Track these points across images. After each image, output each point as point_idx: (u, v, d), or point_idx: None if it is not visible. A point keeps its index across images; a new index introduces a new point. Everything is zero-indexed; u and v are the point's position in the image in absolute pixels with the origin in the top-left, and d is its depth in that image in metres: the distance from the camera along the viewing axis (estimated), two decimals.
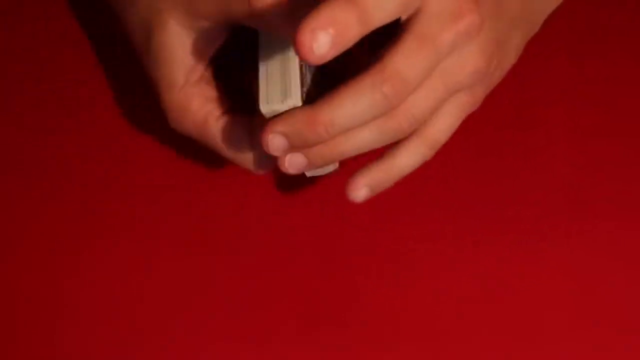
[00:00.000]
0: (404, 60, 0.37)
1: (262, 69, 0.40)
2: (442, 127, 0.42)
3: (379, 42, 0.44)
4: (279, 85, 0.39)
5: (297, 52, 0.34)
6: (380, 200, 0.50)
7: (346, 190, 0.42)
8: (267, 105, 0.39)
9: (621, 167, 0.51)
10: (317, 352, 0.47)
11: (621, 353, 0.47)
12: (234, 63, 0.52)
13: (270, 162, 0.45)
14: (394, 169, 0.42)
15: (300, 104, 0.39)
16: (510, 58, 0.44)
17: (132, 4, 0.45)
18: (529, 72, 0.53)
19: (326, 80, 0.44)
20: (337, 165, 0.45)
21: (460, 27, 0.38)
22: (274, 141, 0.38)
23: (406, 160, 0.42)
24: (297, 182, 0.50)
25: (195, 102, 0.44)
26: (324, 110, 0.37)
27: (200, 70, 0.44)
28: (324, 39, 0.33)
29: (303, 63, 0.41)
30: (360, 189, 0.42)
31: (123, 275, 0.49)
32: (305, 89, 0.40)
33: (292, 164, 0.40)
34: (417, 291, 0.48)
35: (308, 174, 0.44)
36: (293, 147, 0.39)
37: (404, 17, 0.38)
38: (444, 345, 0.47)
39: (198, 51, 0.43)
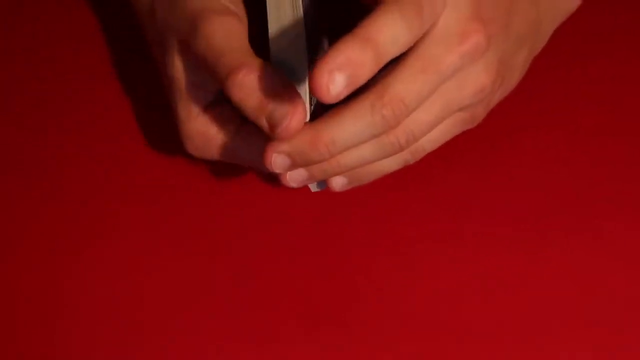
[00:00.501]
0: (405, 84, 0.37)
1: None
2: (432, 137, 0.42)
3: None
4: None
5: (313, 92, 0.34)
6: (380, 200, 0.50)
7: (328, 183, 0.43)
8: None
9: (622, 167, 0.51)
10: (317, 352, 0.47)
11: (621, 353, 0.47)
12: None
13: None
14: (374, 167, 0.42)
15: (307, 119, 0.40)
16: (515, 76, 0.44)
17: (151, 14, 0.45)
18: (529, 72, 0.53)
19: None
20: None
21: (465, 48, 0.38)
22: (277, 160, 0.39)
23: (388, 161, 0.42)
24: None
25: (214, 127, 0.44)
26: (326, 130, 0.38)
27: (213, 90, 0.44)
28: (340, 79, 0.34)
29: None
30: (338, 179, 0.42)
31: (123, 275, 0.49)
32: (312, 107, 0.40)
33: (294, 178, 0.41)
34: (417, 291, 0.48)
35: (312, 188, 0.44)
36: (295, 165, 0.39)
37: None
38: (444, 345, 0.47)
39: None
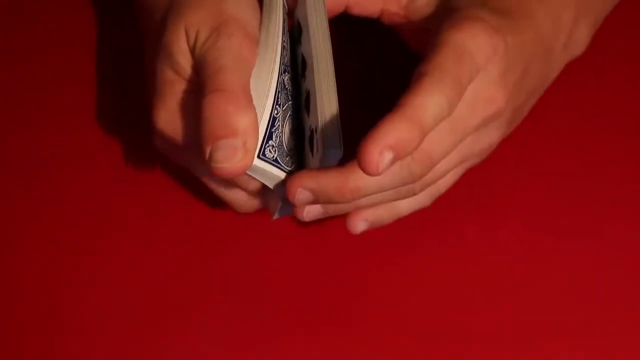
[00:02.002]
0: (434, 144, 0.40)
1: None
2: (446, 182, 0.45)
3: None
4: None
5: (362, 167, 0.37)
6: None
7: (346, 221, 0.44)
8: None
9: (623, 168, 0.51)
10: (317, 353, 0.47)
11: (621, 353, 0.47)
12: None
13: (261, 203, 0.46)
14: (394, 210, 0.44)
15: (283, 176, 0.41)
16: (520, 120, 0.46)
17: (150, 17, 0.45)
18: None
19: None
20: None
21: (489, 114, 0.41)
22: (301, 196, 0.40)
23: (406, 205, 0.44)
24: None
25: (184, 121, 0.42)
26: (353, 178, 0.39)
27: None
28: (389, 157, 0.37)
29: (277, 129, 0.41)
30: (359, 222, 0.44)
31: (123, 275, 0.48)
32: (264, 145, 0.41)
33: (310, 213, 0.42)
34: (417, 292, 0.48)
35: (274, 216, 0.45)
36: (316, 202, 0.41)
37: None
38: (445, 345, 0.47)
39: None
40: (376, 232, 0.49)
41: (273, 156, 0.41)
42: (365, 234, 0.47)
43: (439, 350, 0.47)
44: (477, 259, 0.49)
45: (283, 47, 0.42)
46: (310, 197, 0.40)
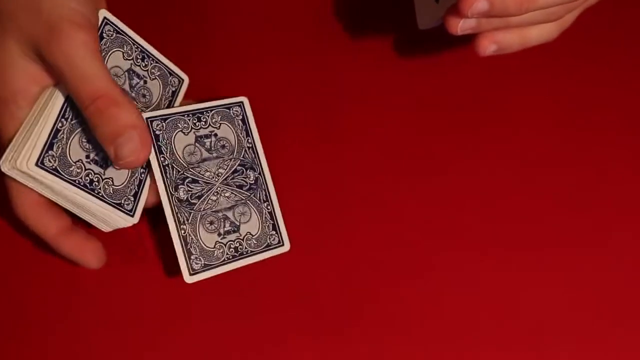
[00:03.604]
0: None
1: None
2: (572, 17, 0.46)
3: None
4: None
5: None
6: (381, 200, 0.50)
7: (476, 44, 0.45)
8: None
9: (624, 168, 0.51)
10: (318, 353, 0.47)
11: (621, 353, 0.47)
12: None
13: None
14: (525, 37, 0.45)
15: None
16: None
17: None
18: (531, 71, 0.53)
19: None
20: None
21: None
22: (479, 5, 0.41)
23: (536, 33, 0.45)
24: (297, 183, 0.50)
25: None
26: None
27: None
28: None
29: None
30: (491, 45, 0.45)
31: (123, 276, 0.48)
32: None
33: (464, 27, 0.43)
34: (418, 293, 0.48)
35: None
36: (489, 13, 0.41)
37: None
38: (445, 346, 0.47)
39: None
40: (377, 232, 0.49)
41: (52, 165, 0.42)
42: (366, 234, 0.47)
43: (439, 350, 0.47)
44: (477, 259, 0.49)
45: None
46: (486, 5, 0.41)
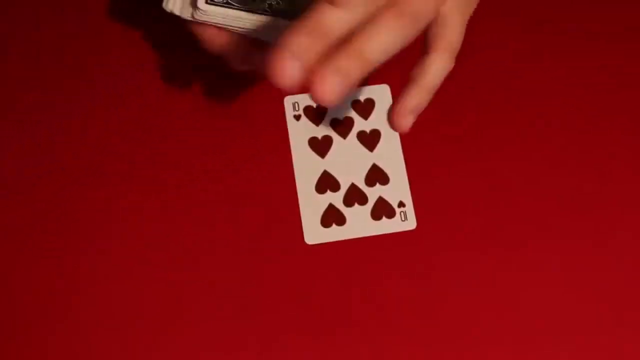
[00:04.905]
0: None
1: None
2: (457, 36, 0.43)
3: None
4: None
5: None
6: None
7: (394, 125, 0.43)
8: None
9: (624, 168, 0.51)
10: (317, 353, 0.47)
11: (621, 353, 0.47)
12: None
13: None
14: (426, 85, 0.43)
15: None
16: None
17: None
18: (529, 73, 0.53)
19: None
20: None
21: None
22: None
23: (433, 73, 0.43)
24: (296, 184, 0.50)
25: None
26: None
27: None
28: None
29: None
30: (408, 116, 0.43)
31: (123, 276, 0.48)
32: None
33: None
34: (418, 292, 0.48)
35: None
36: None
37: None
38: (445, 346, 0.47)
39: None
40: (376, 234, 0.49)
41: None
42: (364, 236, 0.46)
43: (439, 350, 0.47)
44: (478, 259, 0.49)
45: None
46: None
